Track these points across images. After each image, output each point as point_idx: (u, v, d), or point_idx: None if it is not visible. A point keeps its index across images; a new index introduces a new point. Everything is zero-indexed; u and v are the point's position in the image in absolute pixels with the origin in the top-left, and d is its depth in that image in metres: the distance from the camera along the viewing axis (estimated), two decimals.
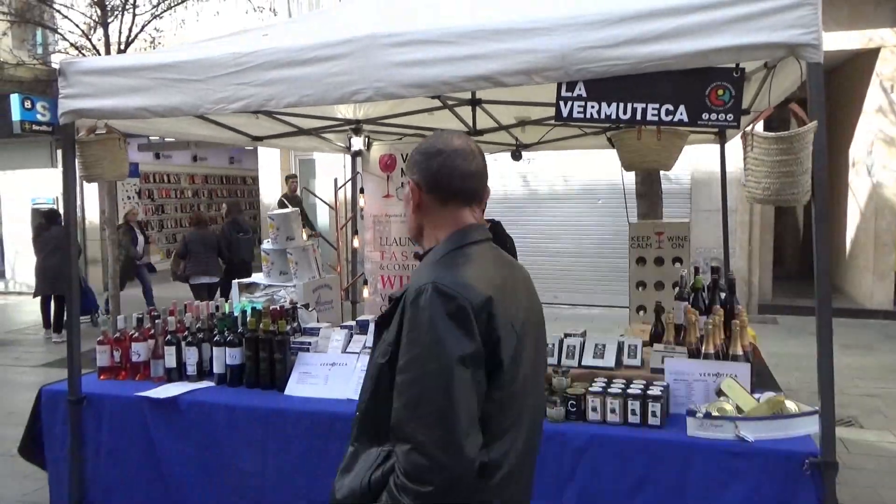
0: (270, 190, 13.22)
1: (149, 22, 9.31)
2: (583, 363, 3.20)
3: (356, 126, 5.44)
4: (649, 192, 6.96)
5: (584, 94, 2.60)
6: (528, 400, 1.56)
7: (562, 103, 2.64)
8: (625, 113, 2.60)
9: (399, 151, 5.74)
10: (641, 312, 5.40)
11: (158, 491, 3.30)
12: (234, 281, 5.76)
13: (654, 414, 2.74)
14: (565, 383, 2.92)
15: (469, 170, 1.59)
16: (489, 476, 1.44)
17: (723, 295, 3.49)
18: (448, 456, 1.35)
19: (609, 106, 2.60)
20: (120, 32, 8.91)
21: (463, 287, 1.42)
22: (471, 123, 4.94)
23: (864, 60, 9.81)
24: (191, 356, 3.53)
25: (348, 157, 6.44)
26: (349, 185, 6.66)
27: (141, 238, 10.43)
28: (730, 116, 2.55)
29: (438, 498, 1.35)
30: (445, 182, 1.58)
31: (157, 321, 3.69)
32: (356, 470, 1.52)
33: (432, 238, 1.63)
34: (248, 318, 3.53)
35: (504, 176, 10.95)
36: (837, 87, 10.64)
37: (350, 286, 6.60)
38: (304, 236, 5.78)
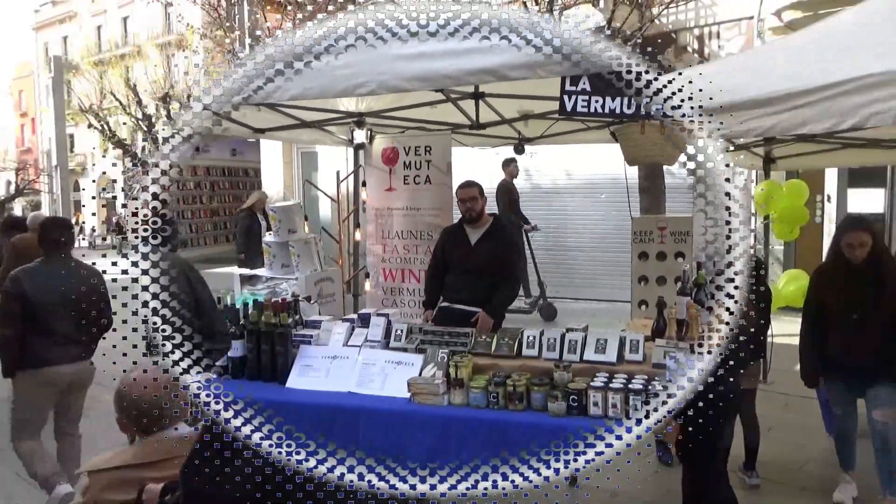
0: (273, 182, 13.22)
1: None
2: (584, 358, 3.20)
3: (359, 119, 5.42)
4: (652, 187, 6.96)
5: (588, 89, 2.59)
6: None
7: (566, 97, 2.63)
8: (628, 107, 2.59)
9: (402, 144, 5.73)
10: (643, 307, 5.39)
11: None
12: (236, 273, 5.77)
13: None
14: (567, 378, 2.92)
15: None
16: None
17: None
18: None
19: (613, 100, 2.60)
20: None
21: None
22: (474, 117, 4.93)
23: None
24: None
25: (351, 150, 6.42)
26: (351, 177, 6.65)
27: (265, 227, 9.53)
28: None
29: None
30: None
31: None
32: None
33: None
34: (250, 311, 3.53)
35: None
36: None
37: (352, 279, 6.60)
38: None
